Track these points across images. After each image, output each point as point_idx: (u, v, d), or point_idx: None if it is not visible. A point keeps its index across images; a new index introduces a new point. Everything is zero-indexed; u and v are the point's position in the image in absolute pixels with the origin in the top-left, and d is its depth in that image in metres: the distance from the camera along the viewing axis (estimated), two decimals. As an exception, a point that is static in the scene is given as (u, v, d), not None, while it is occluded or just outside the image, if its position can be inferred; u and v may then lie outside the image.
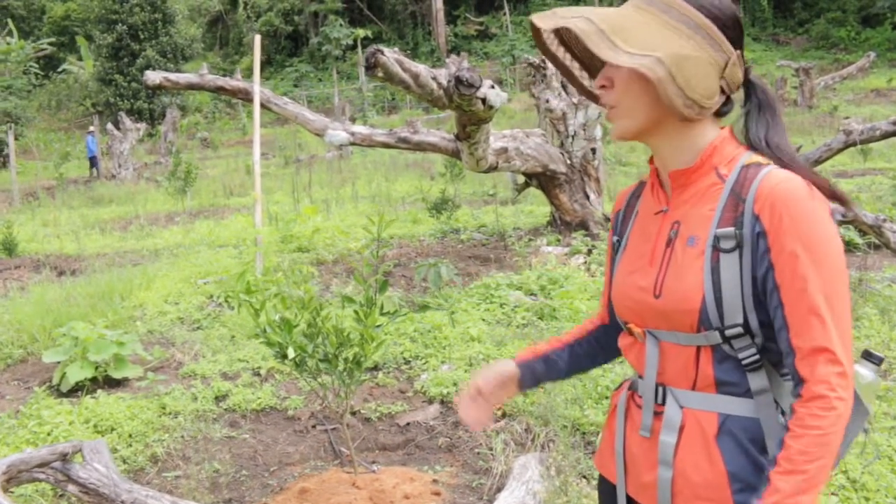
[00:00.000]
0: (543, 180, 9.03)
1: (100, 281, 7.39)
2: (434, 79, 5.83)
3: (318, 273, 7.98)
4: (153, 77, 7.70)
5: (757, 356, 1.33)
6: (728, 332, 1.32)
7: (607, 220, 9.18)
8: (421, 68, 5.79)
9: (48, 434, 4.13)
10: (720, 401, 1.36)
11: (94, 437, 4.15)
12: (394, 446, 4.28)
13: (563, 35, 1.52)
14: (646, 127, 1.39)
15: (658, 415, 1.43)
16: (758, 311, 1.32)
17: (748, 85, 1.43)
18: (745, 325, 1.31)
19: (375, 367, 5.25)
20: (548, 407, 4.15)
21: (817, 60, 32.02)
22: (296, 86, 38.71)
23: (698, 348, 1.36)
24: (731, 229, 1.32)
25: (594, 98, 1.58)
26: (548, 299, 6.43)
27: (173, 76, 8.02)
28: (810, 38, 36.89)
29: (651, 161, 1.51)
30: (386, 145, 8.29)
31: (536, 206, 11.61)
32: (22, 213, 15.91)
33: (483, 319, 6.04)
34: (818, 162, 8.46)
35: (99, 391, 4.89)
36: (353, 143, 8.10)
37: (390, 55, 5.53)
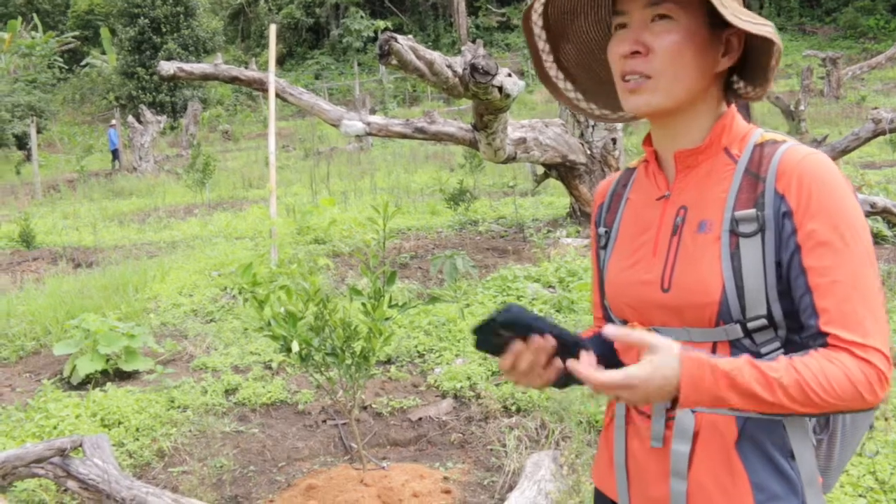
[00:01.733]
0: (563, 171, 8.88)
1: (114, 273, 7.35)
2: (449, 66, 5.71)
3: (334, 265, 7.90)
4: (167, 67, 7.64)
5: (781, 351, 1.20)
6: (750, 325, 1.19)
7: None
8: (436, 56, 5.67)
9: (54, 427, 4.07)
10: None
11: (101, 430, 4.09)
12: (405, 442, 4.19)
13: (553, 16, 1.38)
14: (683, 102, 1.26)
15: (669, 421, 1.29)
16: (782, 300, 1.19)
17: None
18: (769, 316, 1.19)
19: (388, 361, 5.15)
20: (563, 403, 4.03)
21: (845, 50, 31.46)
22: (317, 77, 38.68)
23: (714, 345, 1.23)
24: (751, 211, 1.19)
25: (573, 105, 1.46)
26: (566, 292, 6.30)
27: (187, 66, 7.95)
28: (838, 27, 36.26)
29: (646, 143, 1.37)
30: (403, 135, 8.17)
31: (556, 198, 11.45)
32: (43, 205, 15.99)
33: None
34: (845, 151, 8.25)
35: (109, 384, 4.83)
36: (369, 134, 7.99)
37: (404, 42, 5.41)
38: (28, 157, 23.30)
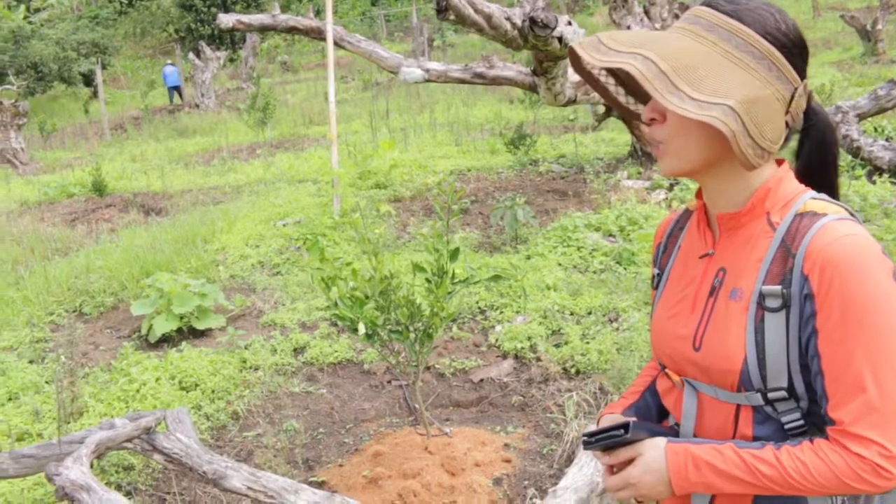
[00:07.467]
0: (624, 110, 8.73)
1: (183, 224, 7.59)
2: (508, 19, 5.64)
3: (395, 211, 7.99)
4: (226, 20, 7.68)
5: (801, 421, 1.23)
6: (771, 395, 1.22)
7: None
8: (494, 8, 5.60)
9: (137, 391, 4.31)
10: None
11: (180, 394, 4.32)
12: (467, 403, 4.32)
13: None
14: (697, 168, 1.27)
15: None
16: (804, 374, 1.21)
17: (808, 115, 1.29)
18: (790, 388, 1.21)
19: (451, 318, 5.25)
20: (622, 368, 4.09)
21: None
22: (374, 4, 38.19)
23: (738, 406, 1.26)
24: (777, 287, 1.20)
25: (633, 115, 1.46)
26: (626, 242, 6.29)
27: (246, 18, 7.98)
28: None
29: (699, 195, 1.38)
30: (461, 81, 8.13)
31: (617, 134, 11.27)
32: (111, 146, 16.42)
33: (559, 264, 5.96)
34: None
35: (184, 343, 5.07)
36: (428, 80, 7.97)
37: (461, -3, 5.35)
38: (95, 94, 23.78)
